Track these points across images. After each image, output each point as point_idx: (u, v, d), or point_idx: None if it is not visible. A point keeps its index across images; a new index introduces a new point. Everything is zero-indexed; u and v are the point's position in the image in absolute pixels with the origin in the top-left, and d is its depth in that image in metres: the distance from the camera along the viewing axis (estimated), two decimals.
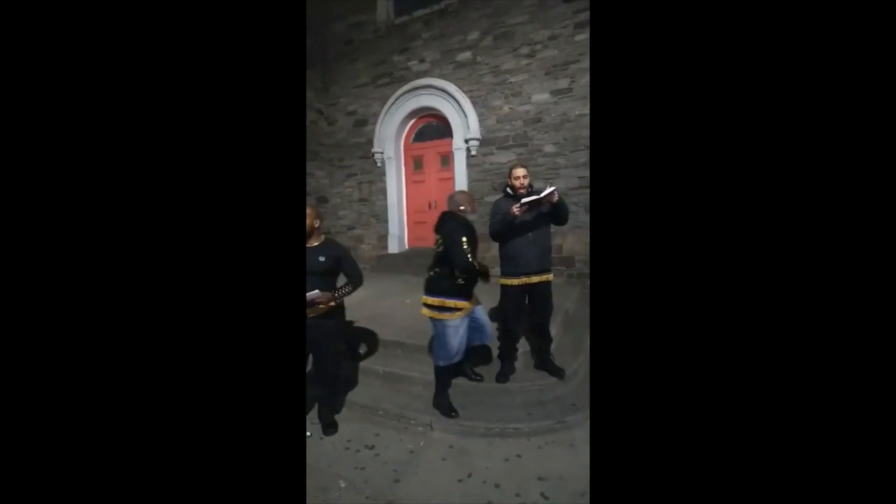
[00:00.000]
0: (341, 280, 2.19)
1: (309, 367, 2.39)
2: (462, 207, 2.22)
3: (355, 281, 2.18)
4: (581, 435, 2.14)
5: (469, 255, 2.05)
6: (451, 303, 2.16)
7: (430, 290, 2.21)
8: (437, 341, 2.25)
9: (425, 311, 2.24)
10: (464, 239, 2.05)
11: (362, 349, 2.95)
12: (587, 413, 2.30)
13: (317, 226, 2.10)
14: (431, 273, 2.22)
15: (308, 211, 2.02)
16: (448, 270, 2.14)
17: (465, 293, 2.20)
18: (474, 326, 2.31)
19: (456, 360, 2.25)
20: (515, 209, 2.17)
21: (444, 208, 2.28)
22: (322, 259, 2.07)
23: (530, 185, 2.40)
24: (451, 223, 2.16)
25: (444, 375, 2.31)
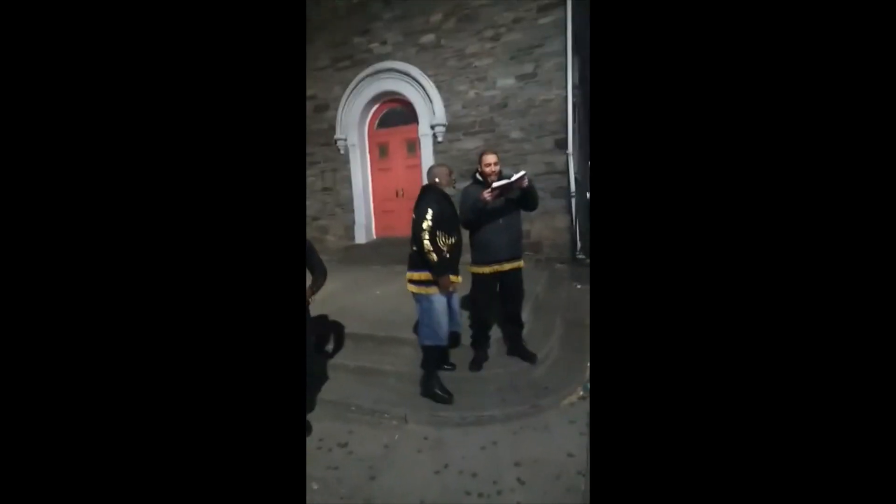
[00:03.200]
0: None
1: None
2: (437, 180, 2.20)
3: (322, 273, 2.12)
4: (555, 417, 2.18)
5: (427, 234, 2.01)
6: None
7: (413, 265, 2.16)
8: (423, 319, 2.21)
9: (411, 287, 2.20)
10: (427, 214, 2.02)
11: (330, 345, 2.85)
12: (560, 395, 2.35)
13: None
14: (413, 248, 2.16)
15: None
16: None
17: (451, 266, 2.16)
18: None
19: (443, 341, 2.21)
20: (486, 195, 2.13)
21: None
22: None
23: (500, 172, 2.37)
24: (425, 195, 2.14)
25: (432, 358, 2.27)
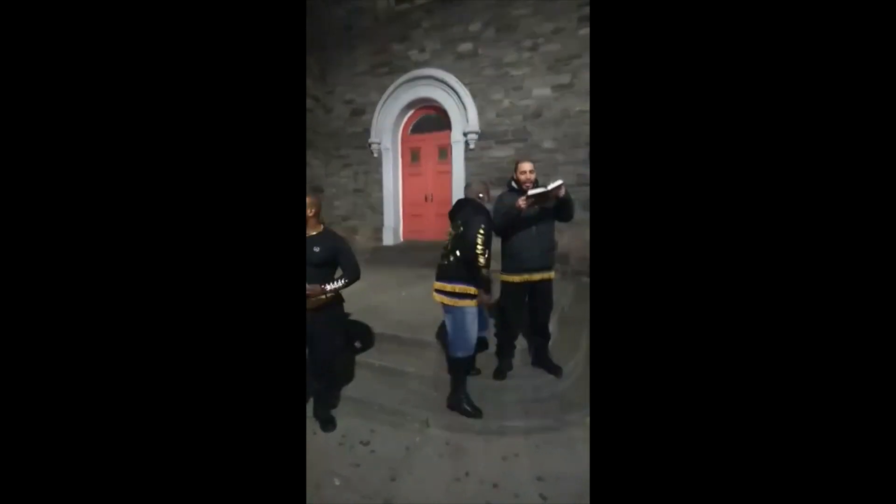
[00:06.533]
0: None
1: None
2: (480, 195, 2.21)
3: (350, 275, 2.08)
4: (580, 434, 2.12)
5: (480, 247, 2.00)
6: (472, 289, 2.08)
7: (447, 277, 2.12)
8: (455, 331, 2.15)
9: (442, 298, 2.14)
10: (481, 228, 2.01)
11: (358, 343, 2.89)
12: (585, 411, 2.28)
13: (310, 214, 2.02)
14: (450, 259, 2.13)
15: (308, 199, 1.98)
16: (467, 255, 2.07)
17: (483, 281, 2.13)
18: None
19: (472, 351, 2.20)
20: (521, 202, 2.11)
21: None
22: (317, 250, 1.99)
23: (536, 181, 2.35)
24: (470, 207, 2.14)
25: (461, 370, 2.23)
